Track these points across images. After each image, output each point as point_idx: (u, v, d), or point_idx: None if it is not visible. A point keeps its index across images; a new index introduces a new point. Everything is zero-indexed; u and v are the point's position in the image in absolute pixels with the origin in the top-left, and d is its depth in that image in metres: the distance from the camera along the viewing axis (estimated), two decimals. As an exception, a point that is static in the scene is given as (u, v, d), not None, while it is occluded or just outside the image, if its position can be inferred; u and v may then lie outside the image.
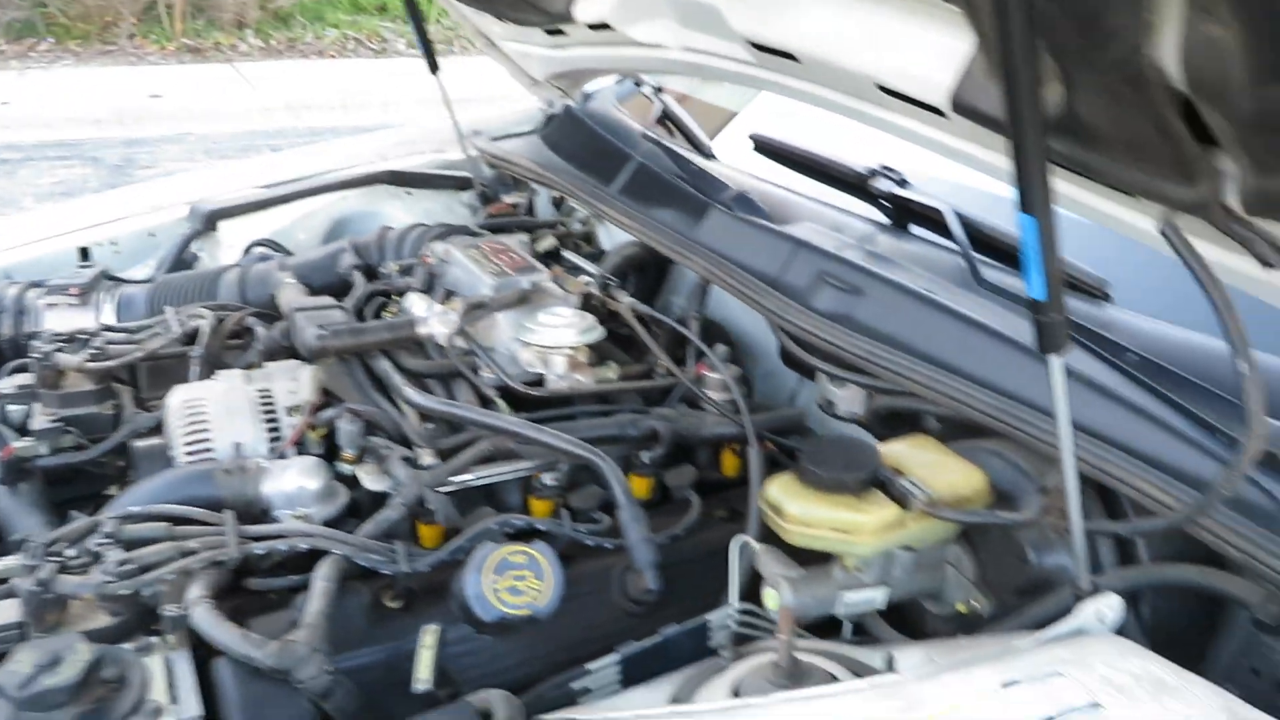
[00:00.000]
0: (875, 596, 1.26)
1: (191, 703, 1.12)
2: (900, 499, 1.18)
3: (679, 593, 1.42)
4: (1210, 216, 0.92)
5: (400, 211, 2.47)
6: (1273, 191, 0.85)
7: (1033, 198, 0.87)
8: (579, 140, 2.32)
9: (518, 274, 1.70)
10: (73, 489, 1.70)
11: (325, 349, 1.60)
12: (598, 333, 1.61)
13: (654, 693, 1.17)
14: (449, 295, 1.68)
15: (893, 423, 1.55)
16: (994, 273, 1.55)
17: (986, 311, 1.42)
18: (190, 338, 1.82)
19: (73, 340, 1.80)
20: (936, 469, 1.24)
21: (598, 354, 1.72)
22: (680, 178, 1.99)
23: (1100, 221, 1.18)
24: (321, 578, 1.24)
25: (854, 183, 1.85)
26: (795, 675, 1.08)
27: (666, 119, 2.41)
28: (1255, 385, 0.91)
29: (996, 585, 1.28)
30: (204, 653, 1.20)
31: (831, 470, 1.19)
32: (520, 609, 1.23)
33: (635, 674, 1.22)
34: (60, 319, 2.02)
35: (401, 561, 1.31)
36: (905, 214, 1.79)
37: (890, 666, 1.13)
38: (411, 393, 1.52)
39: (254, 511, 1.40)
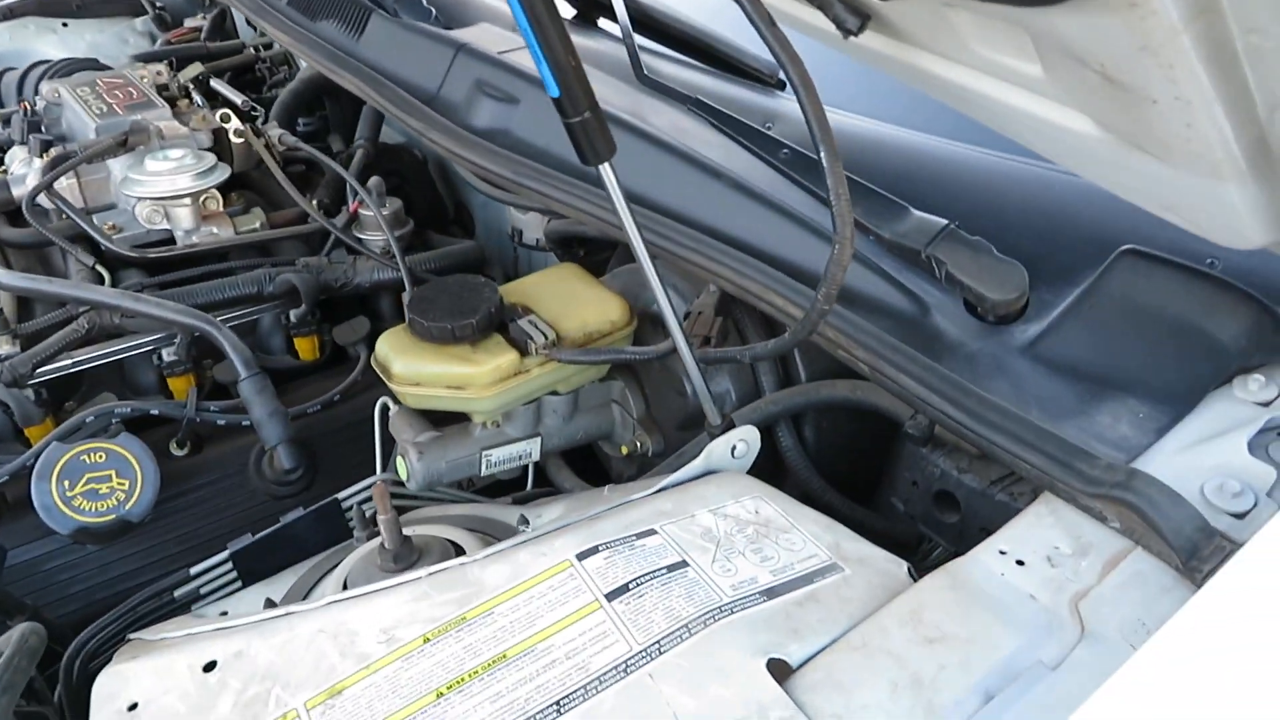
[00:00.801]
0: (526, 449, 1.13)
1: None
2: (519, 344, 1.03)
3: (346, 461, 1.27)
4: (783, -28, 0.75)
5: (55, 49, 2.10)
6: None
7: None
8: (263, -53, 1.99)
9: (128, 113, 1.42)
10: None
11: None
12: (219, 174, 1.37)
13: (273, 590, 1.03)
14: (47, 146, 1.40)
15: (574, 246, 1.39)
16: (671, 67, 1.37)
17: (651, 112, 1.25)
18: None
19: None
20: (569, 302, 1.09)
21: (250, 201, 1.48)
22: (351, -19, 1.70)
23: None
24: None
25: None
26: (404, 556, 0.94)
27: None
28: (838, 177, 0.77)
29: (662, 421, 1.16)
30: None
31: (436, 318, 1.02)
32: (104, 515, 1.05)
33: (256, 568, 1.07)
34: None
35: (-31, 474, 1.10)
36: (590, 6, 1.57)
37: (526, 527, 1.01)
38: (-5, 269, 1.27)
39: None
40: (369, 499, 1.14)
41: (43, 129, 1.52)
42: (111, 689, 0.78)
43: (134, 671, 0.79)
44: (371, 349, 1.39)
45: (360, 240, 1.41)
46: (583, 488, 1.21)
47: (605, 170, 0.80)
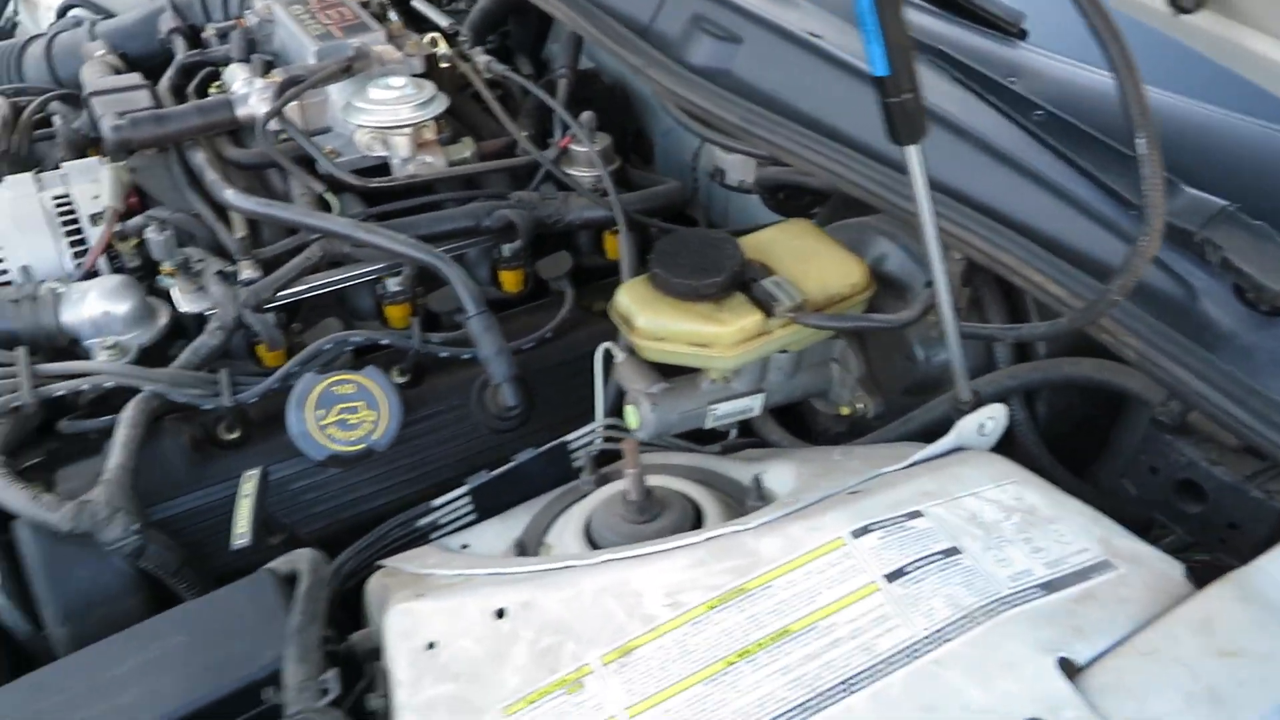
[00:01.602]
0: (750, 405, 1.14)
1: (-13, 572, 1.01)
2: (764, 305, 1.03)
3: (554, 399, 1.30)
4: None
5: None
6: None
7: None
8: None
9: (346, 36, 1.44)
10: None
11: (125, 141, 1.37)
12: (438, 105, 1.38)
13: (507, 526, 1.08)
14: (269, 66, 1.43)
15: (784, 193, 1.37)
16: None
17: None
18: (-8, 130, 1.58)
19: None
20: (809, 261, 1.08)
21: (454, 127, 1.50)
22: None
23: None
24: (125, 423, 1.10)
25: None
26: (647, 509, 0.97)
27: None
28: (1155, 168, 0.74)
29: (885, 384, 1.16)
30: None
31: (683, 274, 1.03)
32: (354, 445, 1.10)
33: (490, 504, 1.11)
34: None
35: (224, 395, 1.17)
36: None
37: (759, 487, 1.03)
38: (228, 192, 1.31)
39: (60, 344, 1.24)
40: (591, 442, 1.17)
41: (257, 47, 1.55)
42: (405, 626, 0.83)
43: (424, 610, 0.84)
44: (575, 284, 1.42)
45: (570, 176, 1.41)
46: (792, 442, 1.22)
47: (912, 152, 0.79)
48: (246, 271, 1.25)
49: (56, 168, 1.53)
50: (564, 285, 1.40)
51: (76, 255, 1.33)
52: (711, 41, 1.32)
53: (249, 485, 1.07)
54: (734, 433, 1.26)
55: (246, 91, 1.43)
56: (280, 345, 1.23)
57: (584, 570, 0.83)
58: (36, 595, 1.04)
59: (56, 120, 1.52)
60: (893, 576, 0.78)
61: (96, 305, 1.23)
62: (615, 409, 1.18)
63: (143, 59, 1.71)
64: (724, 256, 1.04)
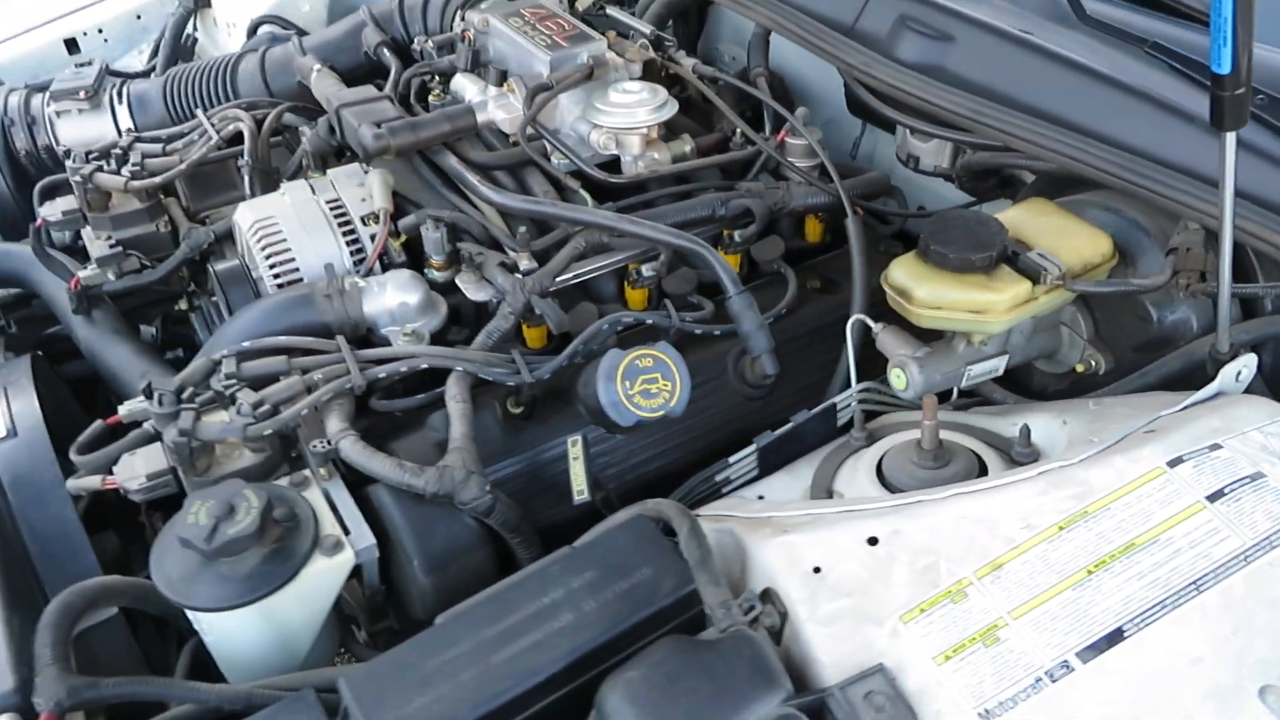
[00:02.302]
0: (997, 365, 1.29)
1: (365, 532, 1.16)
2: (1031, 274, 1.17)
3: (785, 371, 1.45)
4: None
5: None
6: None
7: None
8: None
9: (572, 45, 1.58)
10: (133, 301, 1.71)
11: (385, 147, 1.51)
12: (672, 108, 1.52)
13: (794, 478, 1.22)
14: (503, 76, 1.57)
15: (983, 178, 1.52)
16: (1099, 4, 1.45)
17: (1093, 53, 1.34)
18: (230, 142, 1.73)
19: (106, 156, 1.71)
20: (1060, 236, 1.22)
21: (668, 126, 1.64)
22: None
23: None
24: (455, 398, 1.25)
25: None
26: (940, 457, 1.12)
27: None
28: None
29: (1114, 342, 1.30)
30: (352, 478, 1.23)
31: (959, 250, 1.17)
32: (655, 411, 1.25)
33: (771, 460, 1.27)
34: (74, 127, 1.92)
35: (523, 371, 1.31)
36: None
37: (1027, 437, 1.17)
38: (490, 191, 1.46)
39: (360, 333, 1.39)
40: (849, 404, 1.32)
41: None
42: (787, 556, 0.97)
43: (799, 543, 0.98)
44: (787, 264, 1.57)
45: (792, 165, 1.56)
46: (1014, 399, 1.36)
47: (1230, 138, 0.93)
48: (524, 262, 1.40)
49: (296, 174, 1.69)
50: (782, 266, 1.55)
51: (354, 253, 1.48)
52: (921, 39, 1.46)
53: (576, 449, 1.23)
54: (955, 393, 1.41)
55: (484, 99, 1.57)
56: (564, 326, 1.37)
57: (935, 503, 0.98)
58: (404, 550, 1.19)
59: (305, 130, 1.67)
60: (1213, 497, 0.93)
61: (394, 297, 1.39)
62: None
63: (349, 70, 1.86)
64: (992, 233, 1.19)
